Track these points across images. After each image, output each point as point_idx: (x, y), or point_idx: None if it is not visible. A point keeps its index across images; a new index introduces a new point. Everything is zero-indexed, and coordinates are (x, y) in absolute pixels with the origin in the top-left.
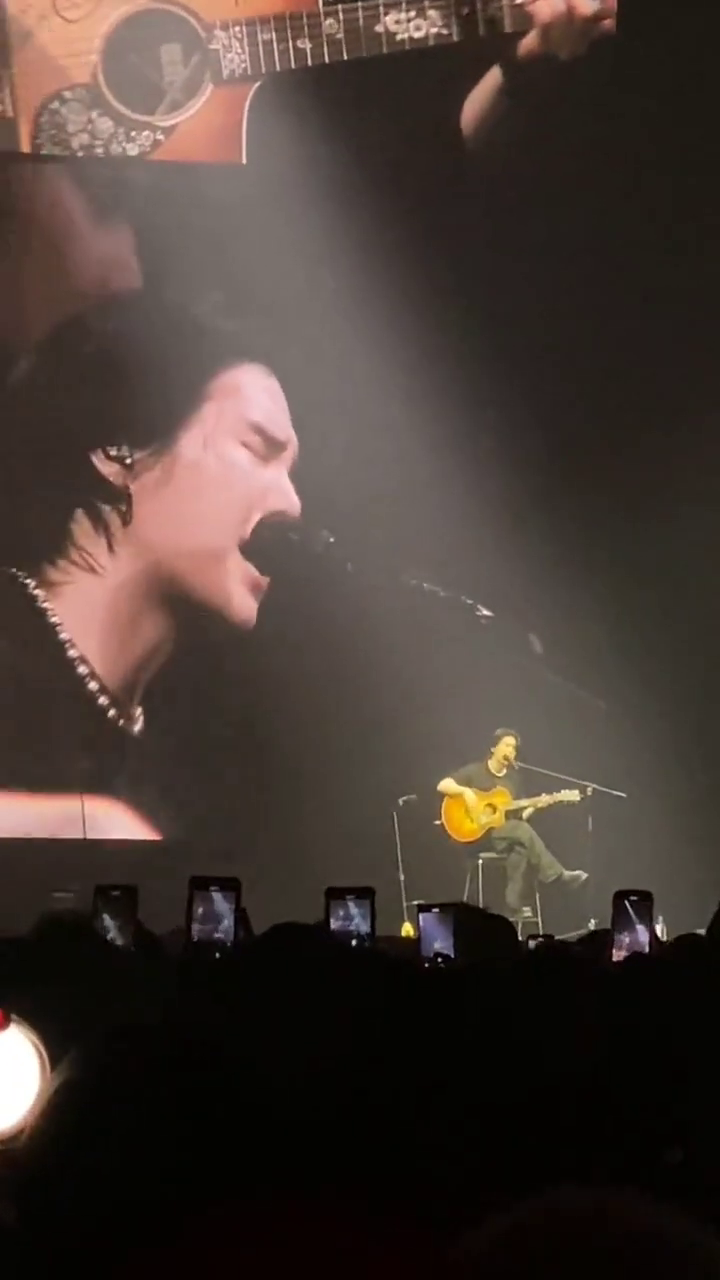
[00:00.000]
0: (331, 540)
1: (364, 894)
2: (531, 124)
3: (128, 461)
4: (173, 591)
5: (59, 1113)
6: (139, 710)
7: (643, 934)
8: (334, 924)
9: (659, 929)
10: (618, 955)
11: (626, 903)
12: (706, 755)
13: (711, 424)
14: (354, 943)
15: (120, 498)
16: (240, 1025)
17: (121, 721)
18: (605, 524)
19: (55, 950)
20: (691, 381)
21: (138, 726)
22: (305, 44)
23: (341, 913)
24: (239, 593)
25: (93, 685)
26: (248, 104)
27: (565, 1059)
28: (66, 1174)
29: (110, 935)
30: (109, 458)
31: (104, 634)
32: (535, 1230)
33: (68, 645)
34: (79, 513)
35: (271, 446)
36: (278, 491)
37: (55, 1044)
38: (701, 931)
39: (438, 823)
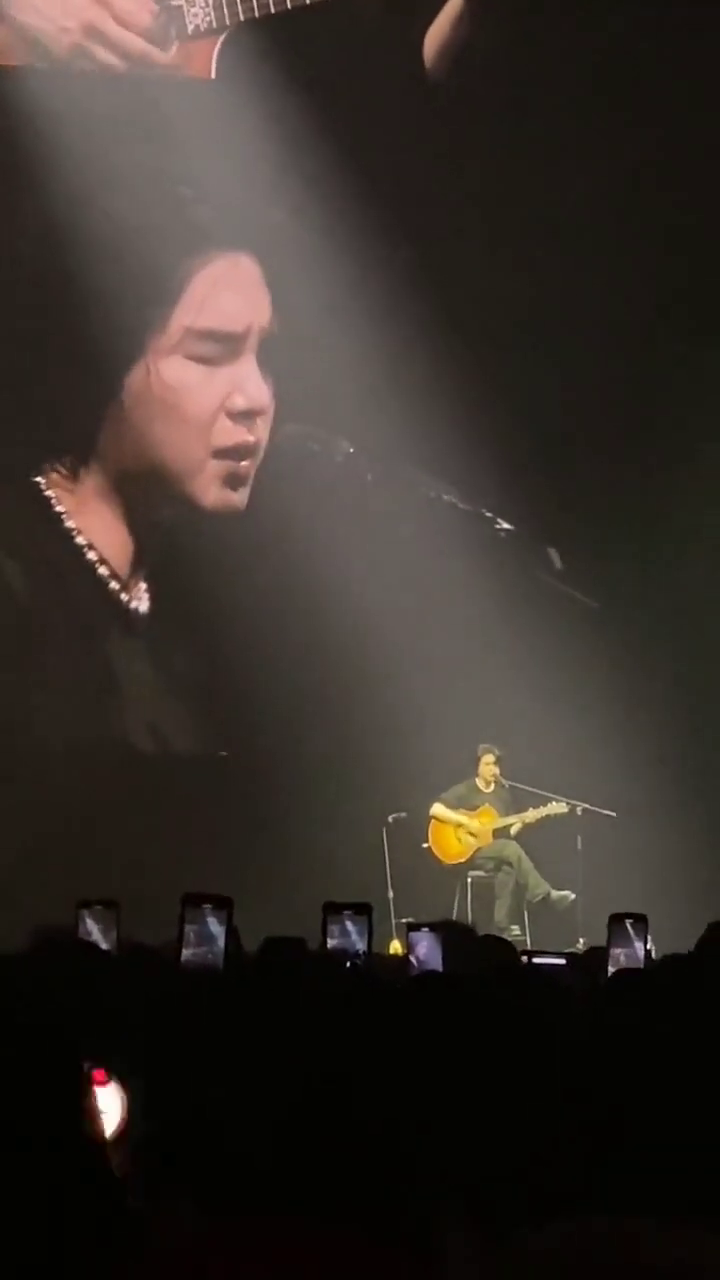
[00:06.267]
0: (351, 451)
1: (361, 910)
2: (494, 48)
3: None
4: (155, 502)
5: None
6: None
7: (637, 953)
8: (330, 941)
9: (650, 949)
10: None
11: (623, 923)
12: (698, 774)
13: None
14: (349, 963)
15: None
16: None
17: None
18: (630, 448)
19: (48, 967)
20: (701, 296)
21: (144, 606)
22: None
23: (338, 929)
24: (219, 493)
25: (102, 570)
26: (215, 58)
27: (552, 1074)
28: None
29: (93, 938)
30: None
31: (106, 528)
32: (568, 1257)
33: (74, 533)
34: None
35: (227, 345)
36: (239, 391)
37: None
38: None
39: (426, 845)
